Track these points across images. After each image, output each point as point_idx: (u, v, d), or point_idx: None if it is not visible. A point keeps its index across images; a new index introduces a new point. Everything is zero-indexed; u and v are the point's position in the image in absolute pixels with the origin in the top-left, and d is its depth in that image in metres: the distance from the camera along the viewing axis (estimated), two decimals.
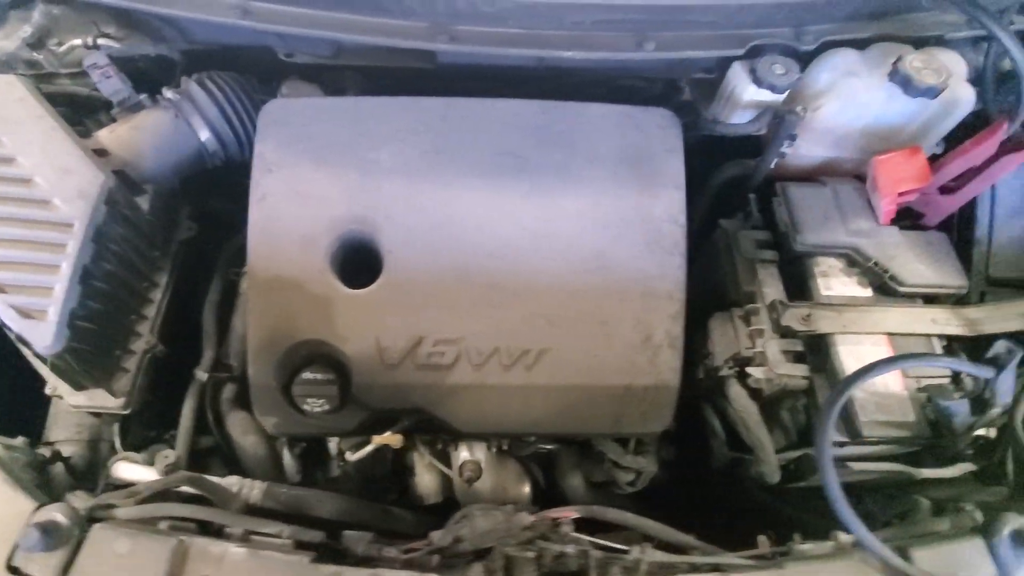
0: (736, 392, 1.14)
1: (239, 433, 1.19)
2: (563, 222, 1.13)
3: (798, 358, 1.13)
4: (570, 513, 1.04)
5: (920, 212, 1.21)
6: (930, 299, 1.20)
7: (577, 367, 1.10)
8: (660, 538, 0.97)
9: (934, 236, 1.23)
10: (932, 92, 1.11)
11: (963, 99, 1.16)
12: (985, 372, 0.92)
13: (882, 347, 1.14)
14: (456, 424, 1.12)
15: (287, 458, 1.30)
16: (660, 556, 0.82)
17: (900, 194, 1.13)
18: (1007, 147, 1.04)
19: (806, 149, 1.27)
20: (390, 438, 1.16)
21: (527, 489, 1.40)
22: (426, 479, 1.38)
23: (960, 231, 1.28)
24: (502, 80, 1.27)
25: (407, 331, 1.09)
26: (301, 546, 0.85)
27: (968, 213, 1.27)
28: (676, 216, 1.14)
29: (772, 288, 1.19)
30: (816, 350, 1.16)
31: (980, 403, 0.97)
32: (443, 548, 0.90)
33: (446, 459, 1.32)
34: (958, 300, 1.22)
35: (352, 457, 1.24)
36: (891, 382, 1.10)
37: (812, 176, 1.31)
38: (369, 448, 1.19)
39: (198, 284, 1.26)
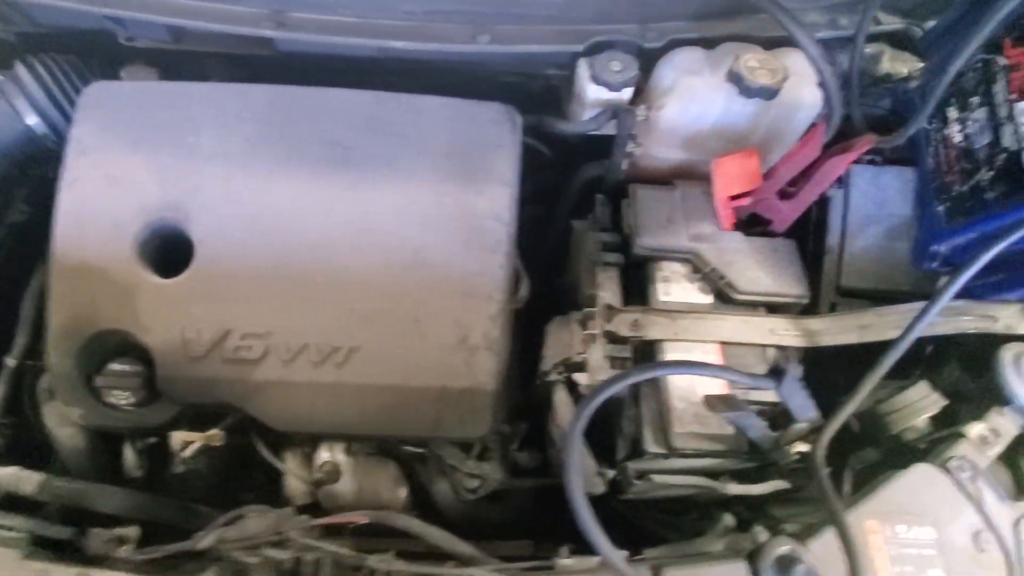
0: (559, 399, 1.09)
1: (55, 424, 1.13)
2: (383, 216, 1.08)
3: (624, 365, 1.08)
4: (355, 518, 0.99)
5: (767, 219, 1.16)
6: (773, 308, 1.14)
7: (389, 367, 1.05)
8: (441, 547, 0.91)
9: (781, 243, 1.17)
10: (766, 93, 1.05)
11: (806, 102, 1.10)
12: (764, 384, 0.86)
13: (712, 356, 1.08)
14: (268, 421, 1.07)
15: (127, 453, 1.25)
16: (401, 566, 0.77)
17: (733, 197, 1.08)
18: (834, 150, 0.99)
19: (656, 150, 1.22)
20: (205, 436, 1.11)
21: (403, 493, 1.35)
22: (293, 481, 1.33)
23: (816, 240, 1.23)
24: (353, 71, 1.22)
25: (214, 323, 1.04)
26: (40, 542, 0.80)
27: (823, 220, 1.22)
28: (501, 214, 1.09)
29: (609, 292, 1.13)
30: (648, 357, 1.10)
31: (784, 418, 0.92)
32: (203, 551, 0.85)
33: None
34: (805, 310, 1.16)
35: (184, 454, 1.19)
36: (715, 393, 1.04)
37: (670, 179, 1.26)
38: (196, 445, 1.14)
39: (31, 270, 1.22)
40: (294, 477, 1.33)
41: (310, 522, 0.94)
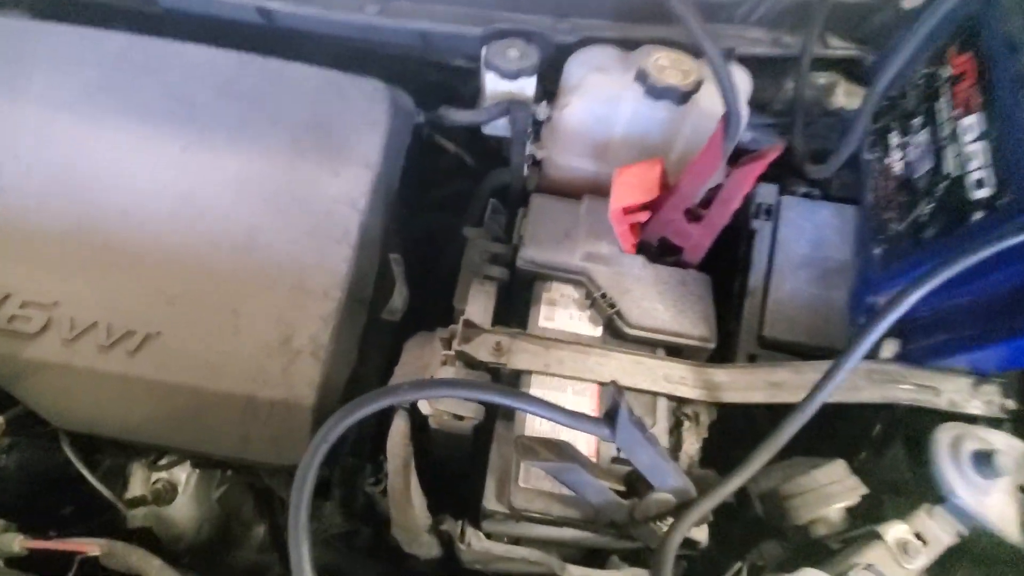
0: (395, 428, 0.87)
1: None
2: (218, 187, 0.91)
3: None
4: (85, 548, 0.77)
5: (677, 246, 0.96)
6: (674, 351, 0.93)
7: (192, 363, 0.85)
8: None
9: (691, 276, 0.97)
10: (674, 94, 0.89)
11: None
12: (599, 431, 0.64)
13: (587, 399, 0.87)
14: (43, 414, 0.86)
15: None
16: None
17: (627, 210, 0.89)
18: (742, 161, 0.81)
19: (564, 158, 1.05)
20: None
21: (258, 531, 1.13)
22: (138, 495, 1.12)
23: (742, 279, 1.03)
24: (237, 37, 1.08)
25: None
26: None
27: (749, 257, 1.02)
28: (356, 200, 0.91)
29: (477, 307, 0.93)
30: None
31: (643, 485, 0.69)
32: None
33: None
34: (713, 357, 0.95)
35: None
36: (581, 447, 0.82)
37: (582, 193, 1.08)
38: None
39: None
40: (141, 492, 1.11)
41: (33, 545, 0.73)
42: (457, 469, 0.96)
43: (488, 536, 0.84)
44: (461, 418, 0.83)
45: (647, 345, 0.92)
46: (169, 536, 1.06)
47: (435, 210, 1.33)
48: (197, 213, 0.89)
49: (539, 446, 0.68)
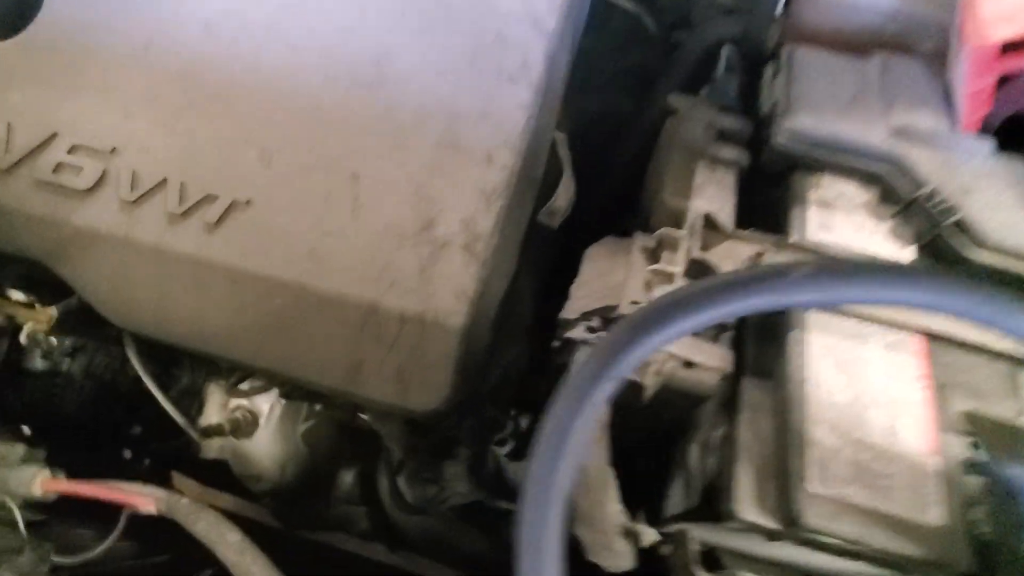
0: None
1: None
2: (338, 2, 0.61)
3: (724, 337, 0.54)
4: (135, 501, 0.52)
5: None
6: None
7: (291, 248, 0.57)
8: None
9: None
10: None
11: None
12: None
13: (905, 355, 0.52)
14: (99, 306, 0.62)
15: None
16: None
17: (1008, 49, 0.51)
18: None
19: None
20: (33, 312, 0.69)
21: (348, 479, 0.90)
22: (213, 419, 0.91)
23: None
24: None
25: (35, 119, 0.61)
26: None
27: None
28: (541, 18, 0.58)
29: (711, 202, 0.60)
30: (766, 334, 0.56)
31: None
32: None
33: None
34: None
35: (22, 338, 0.78)
36: (909, 439, 0.48)
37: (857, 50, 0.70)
38: (28, 326, 0.73)
39: None
40: (220, 419, 0.91)
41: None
42: (642, 457, 0.65)
43: (708, 552, 0.53)
44: (697, 369, 0.51)
45: (997, 276, 0.55)
46: (247, 474, 0.83)
47: (600, 91, 0.98)
48: (306, 31, 0.60)
49: None
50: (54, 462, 0.65)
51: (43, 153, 0.60)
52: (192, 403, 0.81)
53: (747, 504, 0.48)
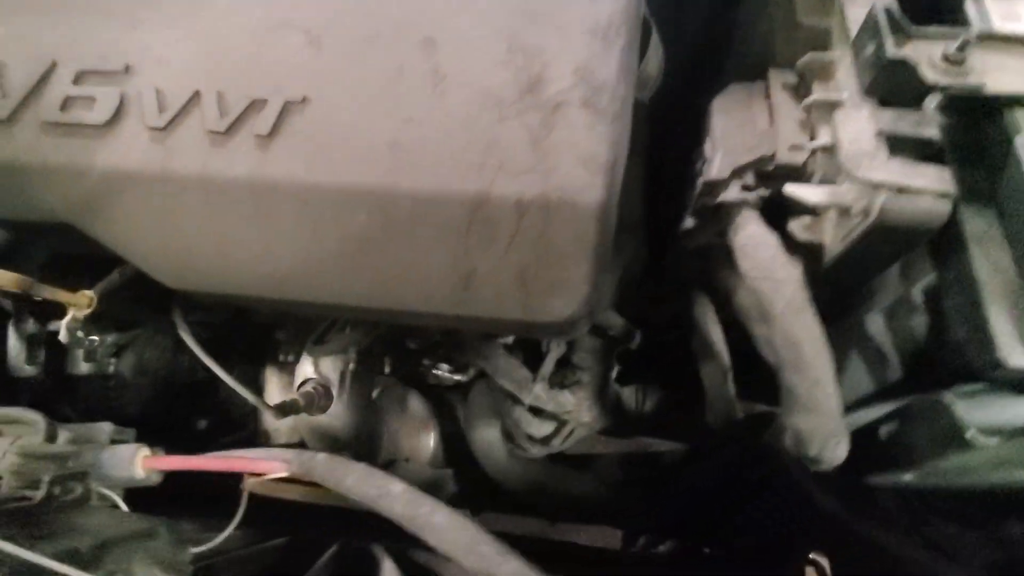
0: (749, 235, 0.45)
1: None
2: None
3: (925, 153, 0.42)
4: (261, 466, 0.42)
5: None
6: None
7: (366, 146, 0.46)
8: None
9: None
10: None
11: None
12: None
13: None
14: (144, 264, 0.52)
15: (13, 339, 0.78)
16: None
17: None
18: None
19: None
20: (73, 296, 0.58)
21: (429, 442, 0.82)
22: (287, 401, 0.83)
23: None
24: None
25: (29, 51, 0.50)
26: None
27: None
28: None
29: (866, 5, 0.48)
30: (970, 155, 0.44)
31: None
32: None
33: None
34: None
35: (62, 336, 0.69)
36: None
37: None
38: (68, 317, 0.63)
39: None
40: (248, 396, 0.82)
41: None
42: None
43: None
44: (916, 195, 0.39)
45: None
46: (325, 450, 0.74)
47: None
48: None
49: None
50: None
51: (45, 89, 0.49)
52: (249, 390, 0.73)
53: (1017, 348, 0.37)
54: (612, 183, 0.44)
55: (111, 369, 0.81)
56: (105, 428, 0.50)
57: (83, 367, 0.80)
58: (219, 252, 0.49)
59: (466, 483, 0.81)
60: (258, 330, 0.81)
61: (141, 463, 0.41)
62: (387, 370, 0.82)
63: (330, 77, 0.46)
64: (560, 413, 0.62)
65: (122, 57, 0.48)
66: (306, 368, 0.78)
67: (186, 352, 0.86)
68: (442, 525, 0.33)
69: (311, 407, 0.73)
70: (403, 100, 0.45)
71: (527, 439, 0.63)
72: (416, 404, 0.85)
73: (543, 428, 0.65)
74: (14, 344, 0.77)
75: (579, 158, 0.43)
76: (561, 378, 0.62)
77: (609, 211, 0.44)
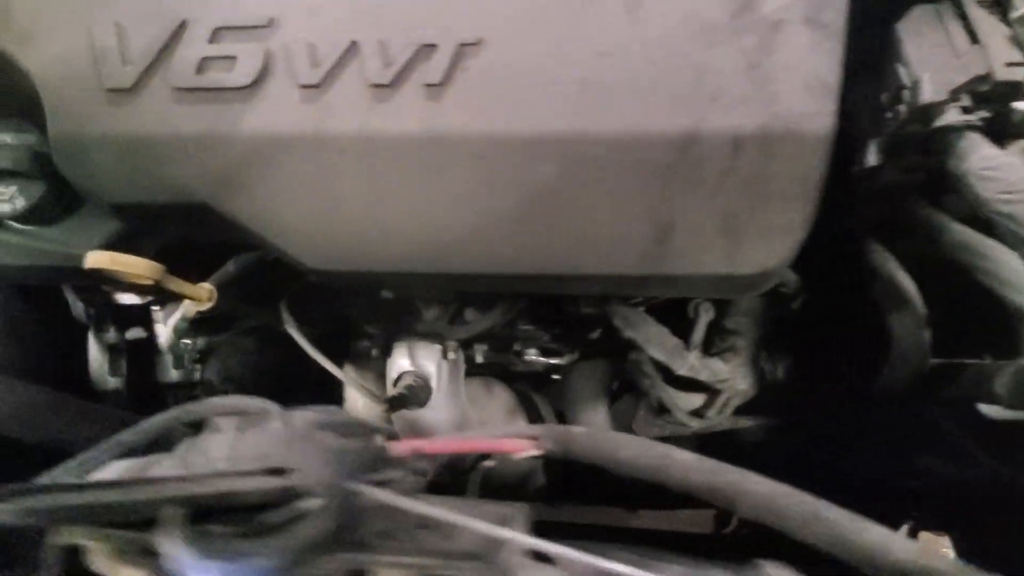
0: (993, 158, 0.41)
1: None
2: None
3: None
4: (511, 445, 0.37)
5: None
6: None
7: (553, 88, 0.41)
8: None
9: None
10: None
11: None
12: None
13: None
14: (280, 240, 0.47)
15: (94, 346, 0.72)
16: None
17: None
18: None
19: None
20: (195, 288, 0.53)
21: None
22: (359, 404, 0.78)
23: None
24: None
25: (151, 9, 0.45)
26: None
27: None
28: None
29: None
30: None
31: None
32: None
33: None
34: None
35: (162, 339, 0.64)
36: None
37: None
38: (176, 315, 0.57)
39: None
40: (366, 396, 0.78)
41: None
42: None
43: None
44: None
45: None
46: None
47: None
48: None
49: None
50: None
51: (176, 51, 0.43)
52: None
53: None
54: (838, 109, 0.39)
55: (196, 376, 0.76)
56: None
57: (173, 374, 0.75)
58: (374, 223, 0.44)
59: (552, 473, 0.77)
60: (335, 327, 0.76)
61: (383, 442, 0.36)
62: (479, 359, 0.77)
63: (507, 14, 0.41)
64: (714, 382, 0.58)
65: (264, 9, 0.43)
66: (401, 361, 0.73)
67: (268, 356, 0.81)
68: (763, 493, 0.28)
69: (415, 400, 0.69)
70: (594, 33, 0.40)
71: (684, 413, 0.59)
72: (502, 393, 0.80)
73: (691, 400, 0.60)
74: (96, 355, 0.72)
75: (804, 82, 0.39)
76: (712, 345, 0.58)
77: (832, 141, 0.40)
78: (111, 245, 0.50)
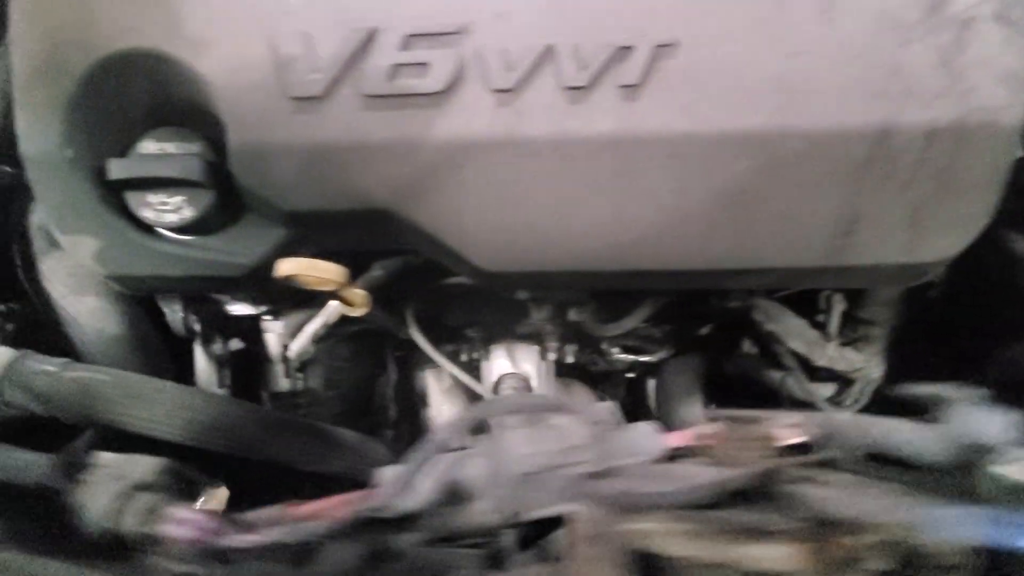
0: None
1: (64, 292, 0.59)
2: None
3: None
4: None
5: None
6: None
7: (749, 88, 0.42)
8: None
9: None
10: None
11: None
12: None
13: None
14: (459, 243, 0.48)
15: (201, 358, 0.71)
16: None
17: None
18: None
19: None
20: (332, 278, 0.53)
21: None
22: (444, 412, 0.79)
23: None
24: None
25: (341, 15, 0.45)
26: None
27: None
28: None
29: None
30: None
31: None
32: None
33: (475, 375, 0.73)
34: None
35: (294, 347, 0.63)
36: None
37: None
38: (318, 323, 0.57)
39: None
40: (455, 403, 0.79)
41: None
42: None
43: None
44: None
45: None
46: None
47: None
48: None
49: None
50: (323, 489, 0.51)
51: (367, 58, 0.44)
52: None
53: None
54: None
55: (300, 385, 0.76)
56: None
57: (284, 383, 0.75)
58: (561, 223, 0.45)
59: None
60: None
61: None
62: (570, 359, 0.78)
63: (700, 17, 0.42)
64: (849, 372, 0.59)
65: (456, 16, 0.43)
66: (501, 364, 0.74)
67: (362, 363, 0.81)
68: None
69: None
70: (787, 33, 0.42)
71: (825, 403, 0.60)
72: (582, 393, 0.81)
73: (824, 390, 0.62)
74: (203, 367, 0.71)
75: (997, 76, 0.40)
76: (851, 332, 0.59)
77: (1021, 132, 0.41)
78: (276, 254, 0.50)
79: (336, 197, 0.46)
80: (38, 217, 0.58)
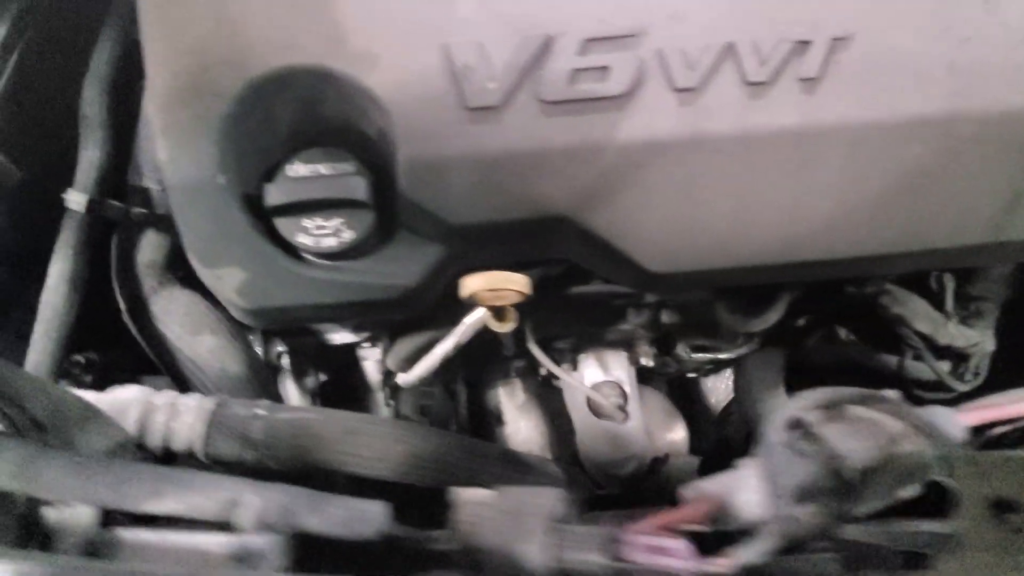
0: None
1: (183, 330, 0.55)
2: None
3: None
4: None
5: None
6: None
7: (922, 75, 0.43)
8: None
9: None
10: None
11: None
12: None
13: None
14: (635, 248, 0.47)
15: (292, 388, 0.68)
16: None
17: None
18: None
19: None
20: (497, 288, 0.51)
21: (682, 434, 0.78)
22: (521, 428, 0.77)
23: None
24: None
25: (515, 24, 0.44)
26: None
27: None
28: None
29: None
30: None
31: None
32: None
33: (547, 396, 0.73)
34: None
35: (408, 376, 0.60)
36: None
37: None
38: (470, 324, 0.55)
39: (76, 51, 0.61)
40: (531, 420, 0.78)
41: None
42: None
43: None
44: None
45: None
46: (617, 460, 0.69)
47: None
48: None
49: None
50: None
51: (545, 65, 0.43)
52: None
53: None
54: None
55: (392, 411, 0.74)
56: None
57: (384, 411, 0.72)
58: (738, 218, 0.46)
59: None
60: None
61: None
62: (647, 362, 0.78)
63: (873, 9, 0.43)
64: (967, 348, 0.62)
65: (629, 20, 0.43)
66: (593, 372, 0.74)
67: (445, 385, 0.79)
68: None
69: (619, 413, 0.70)
70: (955, 21, 0.43)
71: (956, 380, 0.62)
72: (654, 395, 0.81)
73: (942, 367, 0.64)
74: (296, 400, 0.68)
75: None
76: (967, 306, 0.61)
77: None
78: (435, 272, 0.48)
79: (510, 207, 0.45)
80: (146, 255, 0.55)
